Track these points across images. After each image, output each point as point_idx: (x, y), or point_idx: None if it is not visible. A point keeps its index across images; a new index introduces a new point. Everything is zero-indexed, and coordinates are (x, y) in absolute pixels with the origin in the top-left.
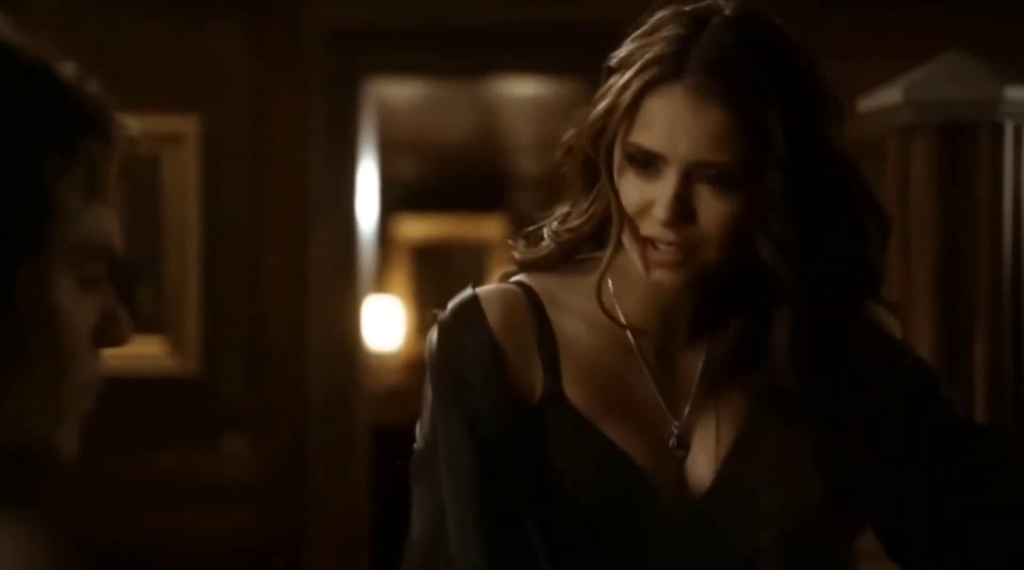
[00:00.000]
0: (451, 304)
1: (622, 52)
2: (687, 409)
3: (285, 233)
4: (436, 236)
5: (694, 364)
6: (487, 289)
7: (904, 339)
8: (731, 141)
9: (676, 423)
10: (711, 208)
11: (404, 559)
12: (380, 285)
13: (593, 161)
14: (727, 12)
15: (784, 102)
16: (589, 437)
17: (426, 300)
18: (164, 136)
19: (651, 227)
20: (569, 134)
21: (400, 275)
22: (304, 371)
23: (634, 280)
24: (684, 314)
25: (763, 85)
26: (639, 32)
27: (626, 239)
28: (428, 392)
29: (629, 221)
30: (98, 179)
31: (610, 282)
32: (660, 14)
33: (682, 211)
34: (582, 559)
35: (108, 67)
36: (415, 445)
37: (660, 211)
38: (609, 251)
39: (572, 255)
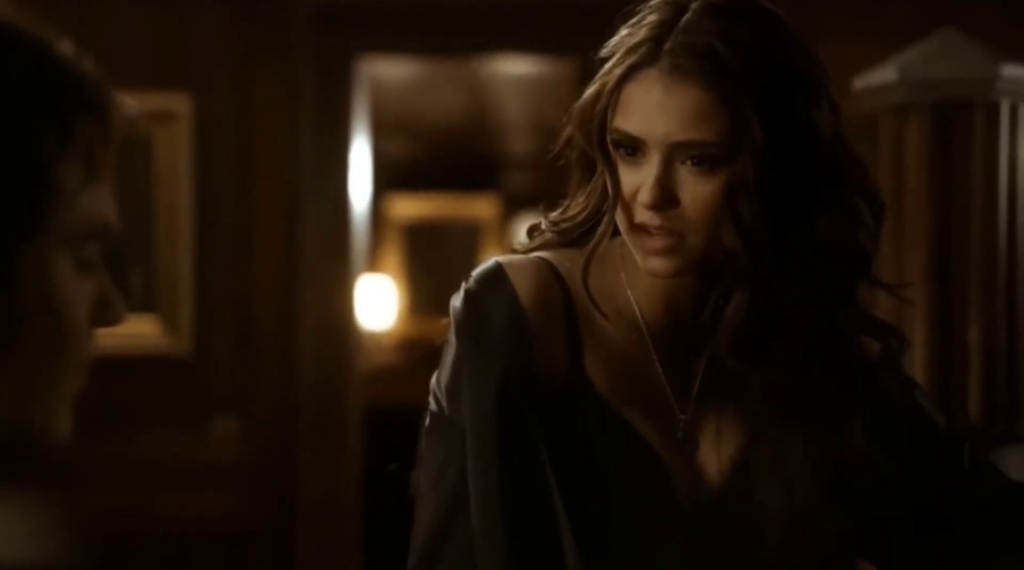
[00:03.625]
0: (474, 272)
1: (612, 42)
2: (692, 404)
3: (276, 212)
4: (428, 215)
5: (698, 362)
6: (512, 258)
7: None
8: (708, 120)
9: (683, 417)
10: (694, 190)
11: (415, 541)
12: (372, 264)
13: (587, 151)
14: None
15: (762, 83)
16: (614, 421)
17: (418, 279)
18: (156, 114)
19: (640, 213)
20: (566, 127)
21: (392, 254)
22: (295, 351)
23: (642, 276)
24: (690, 309)
25: (738, 65)
26: (628, 22)
27: (624, 229)
28: (447, 356)
29: (624, 208)
30: (95, 159)
31: (623, 275)
32: (647, 3)
33: (664, 194)
34: (603, 543)
35: (98, 45)
36: (430, 407)
37: (644, 195)
38: (599, 232)
39: (568, 244)
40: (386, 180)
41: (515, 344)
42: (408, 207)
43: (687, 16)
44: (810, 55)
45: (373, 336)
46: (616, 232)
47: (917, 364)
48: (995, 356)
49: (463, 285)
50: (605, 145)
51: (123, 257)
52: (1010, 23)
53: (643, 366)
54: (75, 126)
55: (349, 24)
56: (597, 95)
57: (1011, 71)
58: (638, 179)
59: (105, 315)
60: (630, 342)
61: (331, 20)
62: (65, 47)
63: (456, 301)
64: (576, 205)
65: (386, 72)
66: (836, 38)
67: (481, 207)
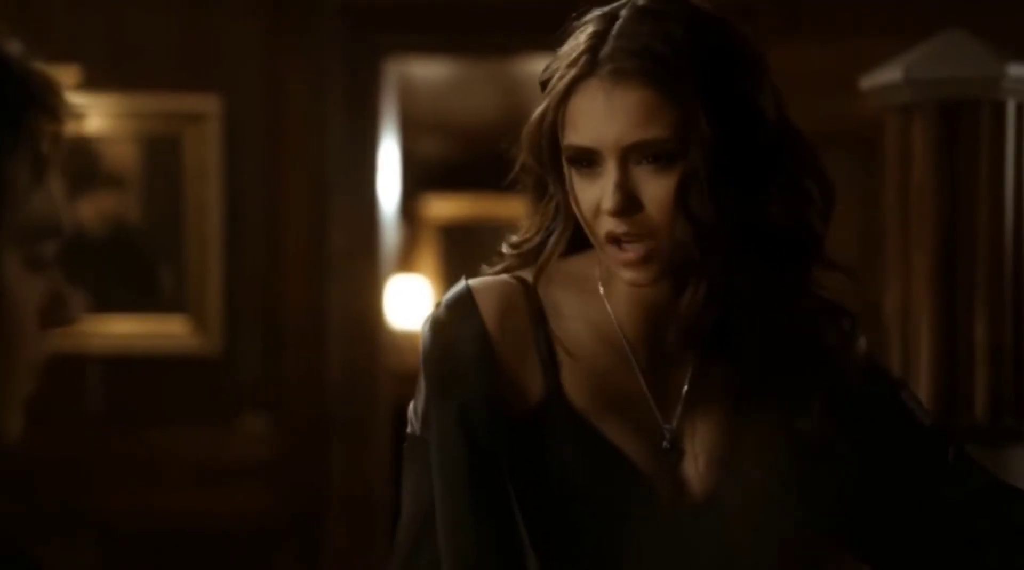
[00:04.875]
0: (445, 296)
1: (549, 68)
2: (678, 413)
3: (305, 212)
4: (463, 215)
5: (684, 369)
6: (482, 281)
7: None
8: (655, 117)
9: (668, 427)
10: (653, 189)
11: (395, 541)
12: (407, 264)
13: (541, 174)
14: (639, 3)
15: (703, 73)
16: (589, 437)
17: (454, 279)
18: (185, 115)
19: (605, 223)
20: (519, 156)
21: (428, 254)
22: (324, 350)
23: (620, 288)
24: (671, 320)
25: (676, 59)
26: (563, 47)
27: (598, 245)
28: (421, 382)
29: (590, 224)
30: (45, 157)
31: (600, 288)
32: (576, 23)
33: (626, 199)
34: (576, 558)
35: (128, 46)
36: (407, 430)
37: (606, 202)
38: (548, 249)
39: (531, 264)
40: (421, 180)
41: (482, 372)
42: (443, 207)
43: (619, 23)
44: (746, 40)
45: (408, 336)
46: (581, 247)
47: (923, 361)
48: (1001, 353)
49: (432, 311)
50: (558, 164)
51: (152, 256)
52: (1019, 22)
53: (625, 379)
54: (24, 124)
55: (377, 24)
56: (543, 115)
57: (1017, 70)
58: (597, 191)
59: (58, 315)
60: (612, 357)
61: (359, 20)
62: (13, 46)
63: (425, 327)
64: (532, 226)
65: (421, 72)
66: (843, 38)
67: (516, 207)
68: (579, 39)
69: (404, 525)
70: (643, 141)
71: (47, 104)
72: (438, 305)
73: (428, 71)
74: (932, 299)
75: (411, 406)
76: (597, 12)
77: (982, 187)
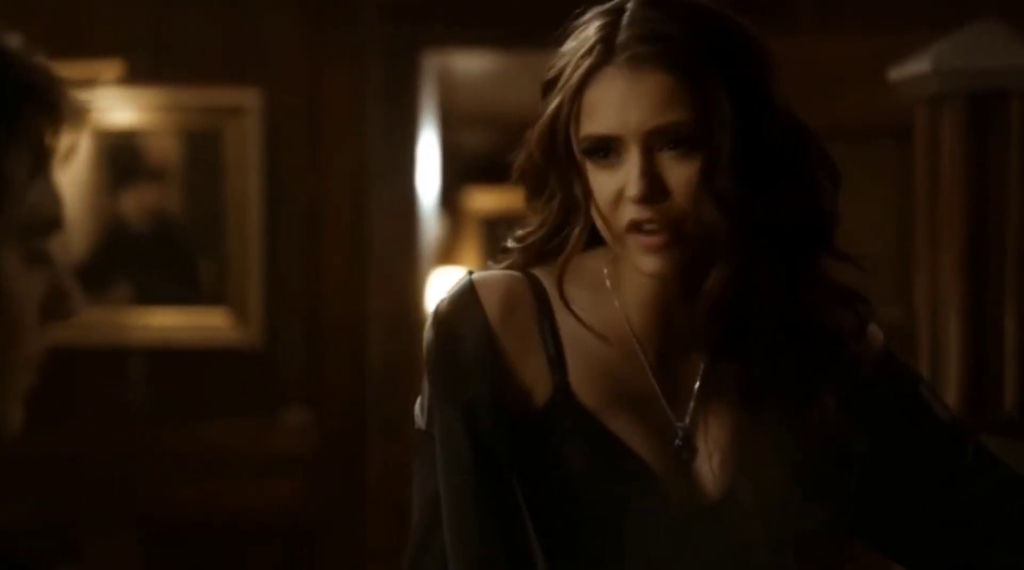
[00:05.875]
0: (448, 292)
1: (554, 66)
2: (690, 412)
3: (345, 205)
4: (506, 208)
5: (694, 365)
6: (487, 276)
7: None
8: (677, 101)
9: (680, 426)
10: (678, 175)
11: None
12: (450, 257)
13: (544, 171)
14: None
15: (720, 60)
16: (599, 436)
17: None
18: (226, 109)
19: (628, 212)
20: (520, 155)
21: (470, 247)
22: (364, 342)
23: (631, 284)
24: (682, 318)
25: (694, 46)
26: (565, 45)
27: (613, 237)
28: (426, 381)
29: (606, 216)
30: (44, 152)
31: (609, 285)
32: (577, 21)
33: (652, 184)
34: (585, 558)
35: (168, 41)
36: (415, 426)
37: (632, 189)
38: (571, 245)
39: (538, 259)
40: (464, 173)
41: (485, 368)
42: (486, 200)
43: (627, 14)
44: (751, 31)
45: None
46: (594, 243)
47: (952, 355)
48: None
49: (435, 306)
50: (571, 159)
51: (193, 249)
52: None
53: (635, 377)
54: (23, 118)
55: (416, 17)
56: (558, 109)
57: None
58: (617, 180)
59: (59, 309)
60: (620, 354)
61: (399, 13)
62: (12, 39)
63: (428, 324)
64: (537, 220)
65: (463, 65)
66: (871, 29)
67: None
68: (587, 32)
69: (414, 520)
70: (666, 124)
71: (46, 98)
72: (441, 300)
73: (471, 64)
74: (961, 292)
75: (418, 402)
76: (599, 8)
77: (1012, 179)
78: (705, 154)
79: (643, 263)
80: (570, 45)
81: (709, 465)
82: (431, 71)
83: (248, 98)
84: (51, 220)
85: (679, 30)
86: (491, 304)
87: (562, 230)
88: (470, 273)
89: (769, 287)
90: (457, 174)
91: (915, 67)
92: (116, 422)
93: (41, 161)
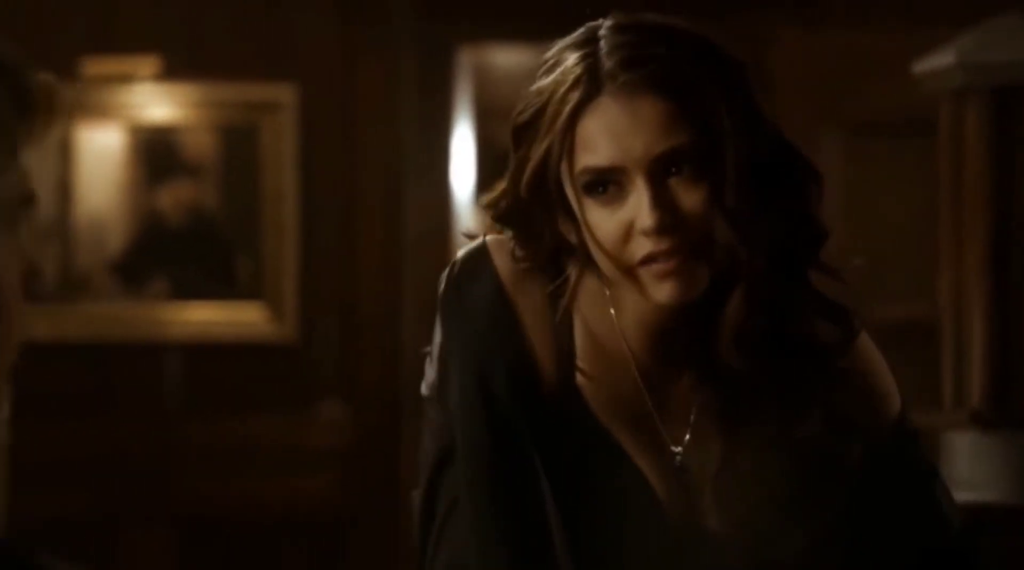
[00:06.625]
0: (460, 252)
1: (530, 107)
2: (688, 435)
3: (380, 200)
4: None
5: (689, 388)
6: (501, 238)
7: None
8: (678, 123)
9: (678, 448)
10: (690, 198)
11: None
12: None
13: (532, 211)
14: (609, 22)
15: (710, 76)
16: (605, 440)
17: None
18: (261, 105)
19: (642, 246)
20: (499, 198)
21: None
22: (399, 337)
23: (629, 306)
24: (679, 339)
25: (683, 65)
26: (537, 84)
27: (619, 274)
28: (435, 339)
29: (612, 256)
30: (15, 134)
31: (612, 311)
32: (545, 57)
33: (667, 212)
34: (575, 555)
35: (203, 38)
36: (423, 393)
37: (645, 221)
38: (569, 290)
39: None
40: (499, 168)
41: (498, 323)
42: None
43: (604, 41)
44: (723, 44)
45: None
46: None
47: (976, 350)
48: None
49: (447, 269)
50: (565, 197)
51: (230, 245)
52: None
53: (630, 393)
54: None
55: (451, 13)
56: (548, 150)
57: None
58: (621, 216)
59: (32, 287)
60: (617, 367)
61: (433, 9)
62: None
63: (441, 283)
64: (528, 252)
65: (500, 60)
66: (896, 24)
67: None
68: (564, 66)
69: (419, 495)
70: (671, 149)
71: (14, 82)
72: (454, 262)
73: (507, 59)
74: (985, 287)
75: (423, 385)
76: (565, 42)
77: None
78: (712, 174)
79: (659, 292)
80: (544, 82)
81: (703, 489)
82: (466, 66)
83: (284, 94)
84: (26, 198)
85: (665, 51)
86: (503, 263)
87: (556, 259)
88: (483, 239)
89: (774, 305)
90: (492, 169)
91: (939, 60)
92: (152, 417)
93: (12, 144)
